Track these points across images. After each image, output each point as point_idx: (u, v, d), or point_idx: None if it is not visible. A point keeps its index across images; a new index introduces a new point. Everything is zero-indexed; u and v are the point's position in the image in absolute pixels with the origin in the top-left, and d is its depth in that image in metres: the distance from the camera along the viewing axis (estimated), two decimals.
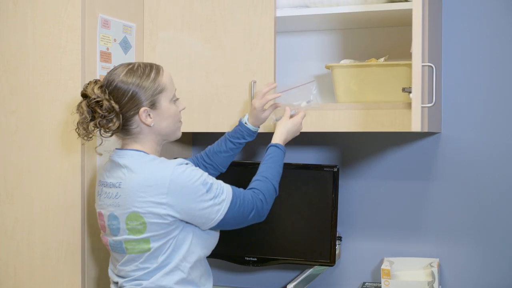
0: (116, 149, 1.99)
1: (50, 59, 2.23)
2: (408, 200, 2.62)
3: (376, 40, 2.63)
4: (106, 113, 1.88)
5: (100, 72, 2.26)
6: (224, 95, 2.43)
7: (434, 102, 2.09)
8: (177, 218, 1.87)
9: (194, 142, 2.93)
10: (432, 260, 2.53)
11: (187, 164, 1.91)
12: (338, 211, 2.57)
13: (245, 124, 2.26)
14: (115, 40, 2.35)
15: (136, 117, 1.92)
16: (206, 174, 1.92)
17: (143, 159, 1.92)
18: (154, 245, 1.89)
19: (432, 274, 2.42)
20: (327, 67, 2.48)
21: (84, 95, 1.92)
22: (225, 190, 1.92)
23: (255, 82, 2.38)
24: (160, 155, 2.00)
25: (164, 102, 1.95)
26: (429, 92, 2.14)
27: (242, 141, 2.29)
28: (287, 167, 2.57)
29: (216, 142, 2.33)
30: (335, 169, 2.50)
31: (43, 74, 2.24)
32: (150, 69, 1.94)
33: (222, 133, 2.30)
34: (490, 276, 2.52)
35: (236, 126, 2.29)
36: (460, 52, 2.54)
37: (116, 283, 1.99)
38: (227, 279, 2.88)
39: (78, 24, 2.20)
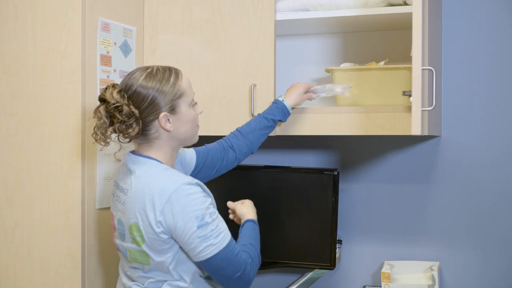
0: (130, 152, 1.96)
1: (50, 63, 2.23)
2: (408, 203, 2.62)
3: (376, 44, 2.63)
4: (126, 118, 1.83)
5: (100, 76, 2.26)
6: (224, 98, 2.43)
7: (434, 106, 2.09)
8: (170, 236, 1.84)
9: (195, 145, 2.92)
10: (432, 263, 2.53)
11: (196, 186, 1.85)
12: (338, 214, 2.57)
13: (282, 101, 2.26)
14: (115, 43, 2.35)
15: (156, 122, 1.87)
16: (211, 208, 1.85)
17: (154, 168, 1.88)
18: (153, 260, 1.86)
19: (433, 277, 2.42)
20: (327, 71, 2.48)
21: (103, 100, 1.87)
22: (221, 237, 1.83)
23: (255, 85, 2.38)
24: (174, 163, 1.98)
25: (183, 106, 1.91)
26: (429, 96, 2.14)
27: (277, 118, 2.26)
28: (288, 170, 2.58)
29: (247, 123, 2.27)
30: (335, 173, 2.50)
31: (43, 78, 2.24)
32: (169, 73, 1.91)
33: (222, 137, 2.28)
34: (490, 279, 2.52)
35: (272, 104, 2.29)
36: (460, 56, 2.54)
37: (125, 282, 1.98)
38: None
39: (78, 28, 2.20)
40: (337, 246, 2.57)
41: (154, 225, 1.81)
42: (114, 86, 1.88)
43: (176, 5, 2.48)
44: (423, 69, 1.99)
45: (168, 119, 1.88)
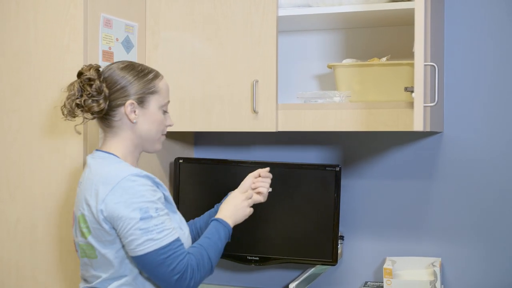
0: (95, 149, 1.96)
1: (53, 59, 2.24)
2: (410, 199, 2.62)
3: (378, 40, 2.63)
4: (95, 93, 1.86)
5: None
6: (226, 95, 2.43)
7: (436, 102, 2.09)
8: (112, 227, 1.79)
9: (196, 141, 2.93)
10: (434, 259, 2.53)
11: (146, 178, 1.81)
12: (340, 210, 2.57)
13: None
14: (117, 39, 2.35)
15: (121, 109, 1.88)
16: (158, 204, 1.80)
17: (109, 160, 1.88)
18: (99, 252, 1.82)
19: (434, 273, 2.42)
20: (329, 67, 2.48)
21: (80, 74, 1.91)
22: (164, 234, 1.76)
23: (257, 81, 2.38)
24: (136, 162, 1.96)
25: (153, 104, 1.92)
26: (431, 92, 2.14)
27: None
28: (290, 166, 2.58)
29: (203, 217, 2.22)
30: (337, 169, 2.50)
31: (46, 74, 2.25)
32: (150, 72, 1.95)
33: (224, 132, 2.29)
34: (492, 275, 2.52)
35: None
36: (462, 52, 2.54)
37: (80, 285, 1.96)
38: (229, 278, 2.88)
39: (80, 24, 2.20)
40: (339, 242, 2.57)
41: (95, 214, 1.78)
42: (96, 65, 1.93)
43: (178, 1, 2.48)
44: (425, 65, 1.99)
45: (135, 110, 1.89)
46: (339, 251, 2.57)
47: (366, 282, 2.62)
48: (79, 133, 2.03)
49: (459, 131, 2.55)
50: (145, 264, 1.77)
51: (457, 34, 2.54)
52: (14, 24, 2.29)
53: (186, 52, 2.48)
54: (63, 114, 1.91)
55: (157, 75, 1.96)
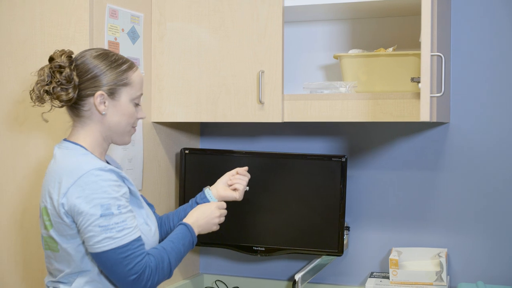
0: (63, 139, 1.91)
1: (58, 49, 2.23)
2: (416, 190, 2.62)
3: (384, 30, 2.62)
4: (64, 81, 1.81)
5: None
6: (232, 85, 2.43)
7: (443, 92, 2.09)
8: (73, 220, 1.75)
9: (202, 132, 2.93)
10: (440, 250, 2.53)
11: (110, 173, 1.76)
12: (346, 201, 2.57)
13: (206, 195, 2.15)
14: (123, 30, 2.35)
15: (91, 99, 1.82)
16: (122, 200, 1.75)
17: (74, 152, 1.83)
18: (61, 246, 1.79)
19: (440, 264, 2.42)
20: (336, 57, 2.48)
21: (51, 59, 1.86)
22: (124, 233, 1.73)
23: (263, 72, 2.38)
24: (104, 154, 1.92)
25: (124, 97, 1.86)
26: (438, 82, 2.13)
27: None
28: (296, 157, 2.58)
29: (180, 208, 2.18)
30: (343, 159, 2.50)
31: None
32: (124, 62, 1.88)
33: (230, 123, 2.29)
34: (498, 266, 2.52)
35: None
36: (469, 42, 2.53)
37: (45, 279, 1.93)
38: (235, 268, 2.89)
39: (86, 14, 2.20)
40: (345, 233, 2.57)
41: (57, 207, 1.74)
42: (69, 51, 1.87)
43: None
44: (432, 55, 1.98)
45: (104, 102, 1.84)
46: (345, 242, 2.58)
47: (372, 273, 2.62)
48: (46, 121, 1.96)
49: (466, 121, 2.54)
50: (102, 261, 1.74)
51: (464, 24, 2.53)
52: (20, 14, 2.29)
53: (192, 43, 2.48)
54: (31, 99, 1.85)
55: (131, 67, 1.89)
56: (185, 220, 1.98)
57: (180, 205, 2.65)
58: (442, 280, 2.41)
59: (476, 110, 2.53)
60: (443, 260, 2.42)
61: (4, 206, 2.33)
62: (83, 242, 1.77)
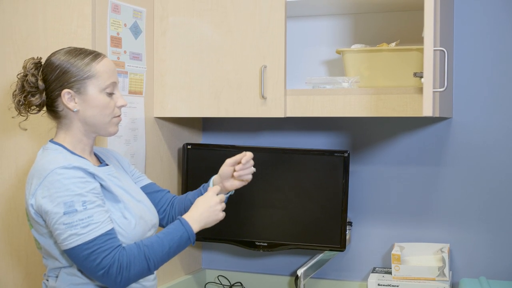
0: (49, 140, 1.92)
1: (61, 44, 2.22)
2: (419, 185, 2.61)
3: (387, 25, 2.61)
4: (31, 89, 1.85)
5: (110, 57, 2.26)
6: (235, 80, 2.43)
7: (446, 87, 2.08)
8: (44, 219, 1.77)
9: (205, 127, 2.93)
10: (442, 245, 2.53)
11: (75, 170, 1.75)
12: (349, 196, 2.57)
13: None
14: (125, 25, 2.35)
15: (61, 99, 1.84)
16: (88, 196, 1.74)
17: (49, 152, 1.84)
18: (40, 243, 1.83)
19: (443, 259, 2.42)
20: (338, 52, 2.47)
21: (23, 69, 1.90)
22: (90, 229, 1.72)
23: (265, 67, 2.37)
24: (89, 148, 1.92)
25: (91, 89, 1.84)
26: (441, 77, 2.13)
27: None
28: (298, 152, 2.58)
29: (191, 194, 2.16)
30: (346, 154, 2.50)
31: None
32: (88, 54, 1.86)
33: (232, 118, 2.29)
34: (501, 261, 2.52)
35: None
36: (472, 37, 2.52)
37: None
38: (237, 264, 2.89)
39: (88, 9, 2.19)
40: (347, 228, 2.57)
41: (28, 208, 1.78)
42: (36, 59, 1.90)
43: None
44: (434, 50, 1.98)
45: (74, 98, 1.84)
46: (347, 237, 2.58)
47: (374, 268, 2.63)
48: (24, 129, 1.97)
49: (468, 116, 2.54)
50: (72, 257, 1.75)
51: (466, 19, 2.52)
52: (22, 9, 2.28)
53: (194, 38, 2.48)
54: (15, 109, 1.89)
55: (94, 58, 1.86)
56: (184, 216, 1.93)
57: None
58: (444, 275, 2.41)
59: (479, 105, 2.52)
60: (446, 255, 2.42)
61: (6, 203, 2.33)
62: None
